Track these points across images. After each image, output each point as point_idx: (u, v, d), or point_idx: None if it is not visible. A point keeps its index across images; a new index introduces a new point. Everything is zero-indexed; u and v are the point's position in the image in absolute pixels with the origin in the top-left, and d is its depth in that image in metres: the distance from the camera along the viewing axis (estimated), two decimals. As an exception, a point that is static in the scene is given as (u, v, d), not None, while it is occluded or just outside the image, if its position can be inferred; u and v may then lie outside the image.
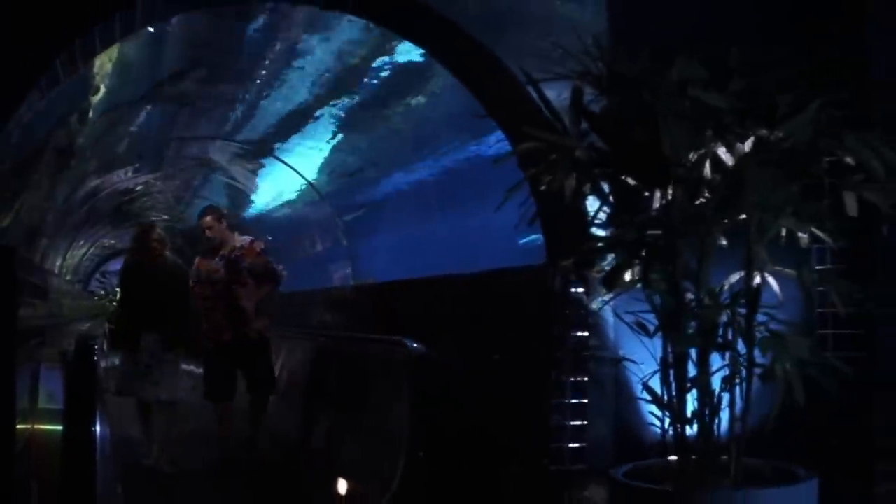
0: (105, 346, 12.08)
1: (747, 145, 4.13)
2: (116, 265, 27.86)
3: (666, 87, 3.94)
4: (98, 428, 5.52)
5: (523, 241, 6.34)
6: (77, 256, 20.08)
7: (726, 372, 4.25)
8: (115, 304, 9.41)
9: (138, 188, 14.02)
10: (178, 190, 15.08)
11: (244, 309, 8.68)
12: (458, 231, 8.18)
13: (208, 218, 8.97)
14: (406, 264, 9.26)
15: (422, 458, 6.07)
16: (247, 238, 9.15)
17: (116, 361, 9.58)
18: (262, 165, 11.64)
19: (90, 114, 7.17)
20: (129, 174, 12.24)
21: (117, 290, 9.96)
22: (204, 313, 8.84)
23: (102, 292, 28.63)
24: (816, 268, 5.00)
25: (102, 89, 6.76)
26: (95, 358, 5.97)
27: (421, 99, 7.87)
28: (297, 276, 11.97)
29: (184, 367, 9.32)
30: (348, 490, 6.59)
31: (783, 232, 4.29)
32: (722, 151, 4.12)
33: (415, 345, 6.67)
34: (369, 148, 9.50)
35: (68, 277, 18.97)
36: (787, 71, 4.10)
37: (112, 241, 22.21)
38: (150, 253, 8.82)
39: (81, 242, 18.49)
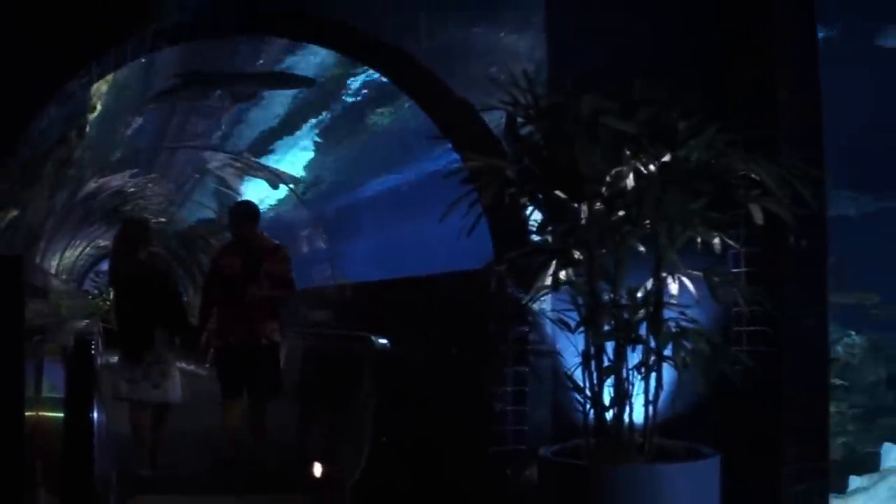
0: (100, 345, 12.00)
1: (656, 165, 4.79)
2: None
3: (581, 116, 4.59)
4: (95, 415, 6.19)
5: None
6: (73, 257, 20.67)
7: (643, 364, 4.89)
8: (108, 302, 8.10)
9: (132, 190, 14.64)
10: (170, 193, 15.69)
11: (256, 311, 8.24)
12: (424, 236, 8.76)
13: (249, 226, 8.53)
14: (379, 266, 9.87)
15: (385, 443, 6.66)
16: (274, 241, 8.75)
17: (112, 362, 9.19)
18: (248, 172, 12.27)
19: (87, 129, 7.79)
20: (126, 178, 12.90)
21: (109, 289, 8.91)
22: (217, 311, 8.47)
23: (96, 291, 29.17)
24: (733, 270, 5.67)
25: (99, 107, 7.39)
26: (93, 352, 6.54)
27: (395, 114, 8.50)
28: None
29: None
30: (319, 474, 7.24)
31: (699, 239, 4.95)
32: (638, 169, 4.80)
33: (380, 340, 7.18)
34: (347, 157, 10.13)
35: (64, 277, 19.57)
36: (690, 100, 4.76)
37: (106, 242, 22.82)
38: (146, 247, 8.43)
39: (77, 243, 19.11)
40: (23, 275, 5.14)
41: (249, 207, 8.87)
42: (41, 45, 5.22)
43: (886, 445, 8.34)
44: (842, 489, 7.77)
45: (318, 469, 7.55)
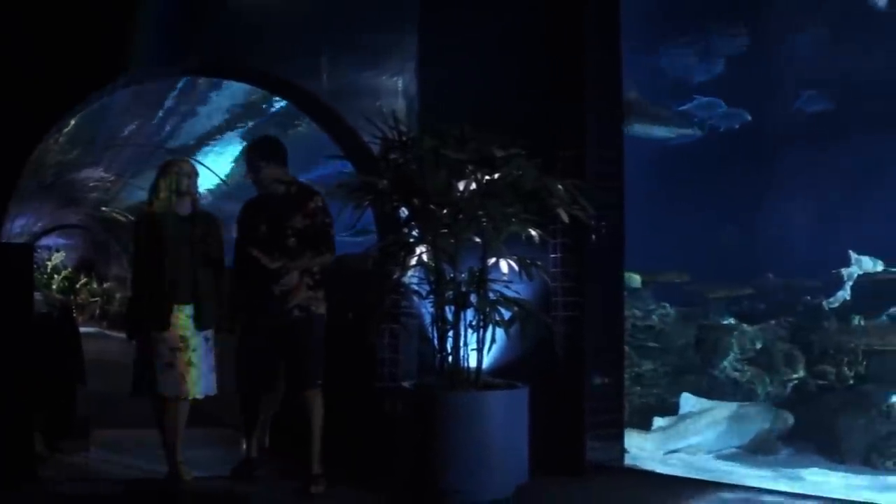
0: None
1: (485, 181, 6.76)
2: (48, 240, 29.68)
3: (424, 148, 6.58)
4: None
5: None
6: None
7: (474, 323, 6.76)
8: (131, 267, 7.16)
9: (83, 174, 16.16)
10: (116, 179, 17.18)
11: (285, 279, 6.96)
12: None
13: (262, 158, 7.15)
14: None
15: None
16: (308, 186, 7.28)
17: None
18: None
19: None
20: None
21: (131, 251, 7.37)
22: (248, 280, 7.06)
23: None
24: (551, 256, 7.64)
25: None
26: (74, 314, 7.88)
27: (310, 124, 10.24)
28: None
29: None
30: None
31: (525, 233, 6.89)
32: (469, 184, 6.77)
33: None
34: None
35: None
36: (507, 137, 6.72)
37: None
38: (182, 195, 7.02)
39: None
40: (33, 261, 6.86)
41: (269, 142, 7.35)
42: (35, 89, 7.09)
43: (685, 395, 10.29)
44: (647, 428, 9.76)
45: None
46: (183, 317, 6.92)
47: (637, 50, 16.37)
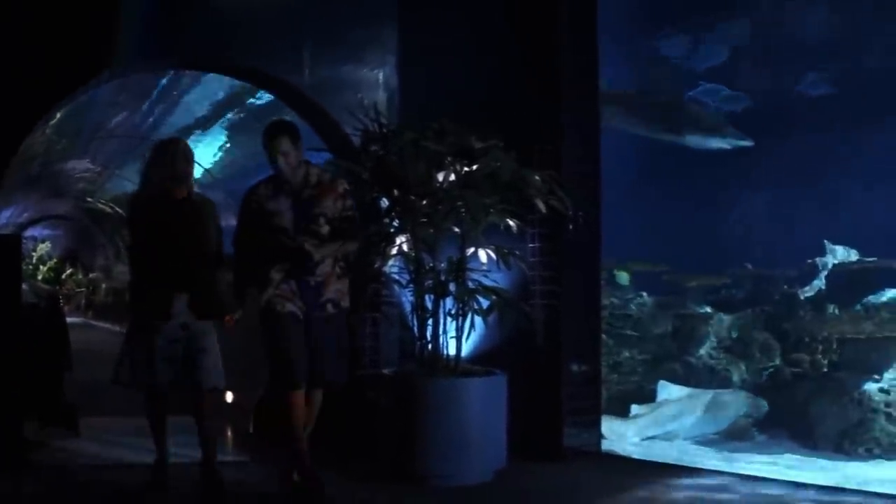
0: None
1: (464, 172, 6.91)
2: (34, 231, 29.73)
3: (404, 140, 6.73)
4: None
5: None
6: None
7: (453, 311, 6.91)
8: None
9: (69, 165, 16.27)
10: (102, 170, 17.29)
11: (319, 269, 6.31)
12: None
13: (285, 141, 6.31)
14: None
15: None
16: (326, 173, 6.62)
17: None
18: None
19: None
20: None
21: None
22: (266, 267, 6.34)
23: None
24: (530, 245, 7.78)
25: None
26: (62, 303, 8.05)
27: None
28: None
29: None
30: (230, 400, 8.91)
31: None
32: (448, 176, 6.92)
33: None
34: (253, 146, 11.98)
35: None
36: (486, 128, 6.89)
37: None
38: (178, 177, 6.37)
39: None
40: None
41: (293, 125, 6.65)
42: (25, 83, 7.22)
43: (662, 382, 10.51)
44: (625, 415, 9.96)
45: (228, 396, 8.53)
46: (182, 306, 6.32)
47: (635, 38, 16.63)
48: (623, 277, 12.31)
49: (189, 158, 6.46)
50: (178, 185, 6.36)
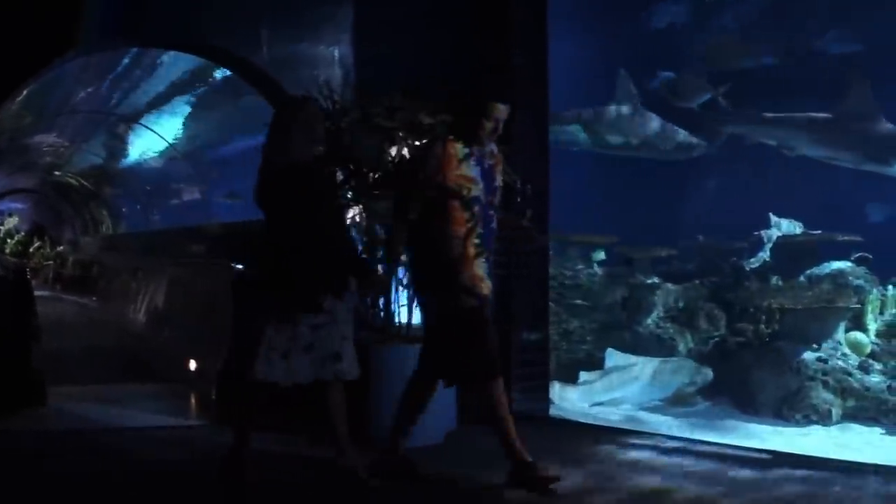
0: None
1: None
2: (1, 205, 29.72)
3: (356, 116, 7.02)
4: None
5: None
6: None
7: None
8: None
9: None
10: (69, 144, 17.47)
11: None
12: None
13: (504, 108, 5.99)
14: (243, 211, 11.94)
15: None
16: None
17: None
18: (134, 129, 14.35)
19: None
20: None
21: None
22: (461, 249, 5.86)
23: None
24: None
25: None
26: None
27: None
28: (168, 217, 14.95)
29: None
30: (192, 368, 9.25)
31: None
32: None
33: (236, 265, 8.36)
34: (218, 120, 12.17)
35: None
36: (436, 104, 7.16)
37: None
38: (320, 140, 5.86)
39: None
40: None
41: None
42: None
43: (609, 350, 10.79)
44: (574, 381, 10.28)
45: (192, 364, 9.20)
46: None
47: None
48: (599, 255, 12.64)
49: (322, 119, 6.00)
50: (310, 152, 5.78)
